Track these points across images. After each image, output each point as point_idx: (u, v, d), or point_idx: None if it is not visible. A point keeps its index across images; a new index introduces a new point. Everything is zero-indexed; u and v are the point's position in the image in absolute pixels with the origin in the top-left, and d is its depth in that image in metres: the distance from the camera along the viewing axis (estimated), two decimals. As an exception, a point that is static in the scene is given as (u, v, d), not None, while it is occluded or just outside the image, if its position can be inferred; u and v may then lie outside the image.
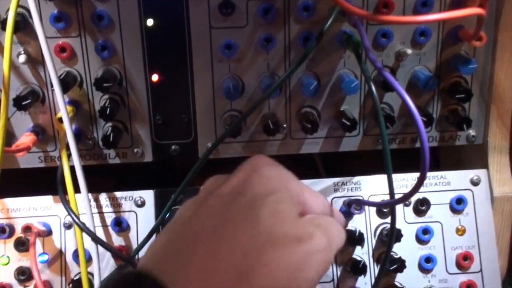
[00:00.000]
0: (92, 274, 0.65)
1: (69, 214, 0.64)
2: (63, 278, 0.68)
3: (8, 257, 0.67)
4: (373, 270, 0.68)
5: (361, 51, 0.60)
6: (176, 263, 0.42)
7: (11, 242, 0.67)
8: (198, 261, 0.42)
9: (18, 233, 0.67)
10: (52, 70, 0.60)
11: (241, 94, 0.67)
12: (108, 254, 0.67)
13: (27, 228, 0.66)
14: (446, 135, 0.70)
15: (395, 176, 0.59)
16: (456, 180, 0.70)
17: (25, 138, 0.65)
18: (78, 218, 0.64)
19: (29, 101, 0.63)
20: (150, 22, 0.64)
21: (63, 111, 0.61)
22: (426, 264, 0.68)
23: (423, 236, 0.68)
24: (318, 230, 0.46)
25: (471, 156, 0.74)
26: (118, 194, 0.69)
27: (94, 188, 0.66)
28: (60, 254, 0.68)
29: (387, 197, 0.68)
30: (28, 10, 0.61)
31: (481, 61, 0.67)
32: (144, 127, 0.68)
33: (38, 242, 0.67)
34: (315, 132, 0.66)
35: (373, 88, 0.57)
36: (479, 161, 0.72)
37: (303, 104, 0.68)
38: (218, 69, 0.66)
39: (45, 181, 0.68)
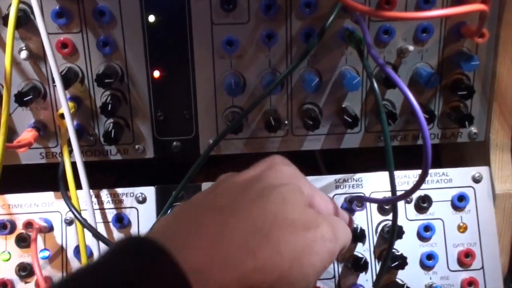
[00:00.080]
0: (93, 270, 0.65)
1: (70, 210, 0.64)
2: (64, 274, 0.68)
3: (9, 253, 0.67)
4: (374, 267, 0.68)
5: (363, 47, 0.60)
6: (183, 232, 0.43)
7: (12, 238, 0.67)
8: (206, 231, 0.43)
9: (19, 229, 0.67)
10: (54, 66, 0.60)
11: (243, 91, 0.67)
12: (109, 250, 0.67)
13: (28, 224, 0.66)
14: (448, 132, 0.70)
15: (396, 173, 0.59)
16: (457, 177, 0.69)
17: (27, 134, 0.65)
18: (80, 214, 0.64)
19: (30, 97, 0.63)
20: (151, 18, 0.64)
21: (65, 107, 0.61)
22: (428, 261, 0.68)
23: (424, 233, 0.68)
24: (324, 221, 0.49)
25: (473, 153, 0.74)
26: (119, 190, 0.69)
27: (96, 184, 0.66)
28: (61, 250, 0.68)
29: (388, 194, 0.68)
30: (30, 6, 0.61)
31: (483, 58, 0.67)
32: (145, 123, 0.68)
33: (39, 238, 0.67)
34: (316, 129, 0.66)
35: (375, 84, 0.56)
36: (481, 158, 0.72)
37: (305, 100, 0.68)
38: (220, 65, 0.66)
39: (47, 177, 0.68)
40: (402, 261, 0.66)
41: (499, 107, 0.68)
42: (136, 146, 0.69)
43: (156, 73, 0.66)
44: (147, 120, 0.68)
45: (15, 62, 0.64)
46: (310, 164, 0.84)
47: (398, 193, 0.57)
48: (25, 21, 0.61)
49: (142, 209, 0.69)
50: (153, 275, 0.38)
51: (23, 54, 0.63)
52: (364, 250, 0.68)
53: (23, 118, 0.67)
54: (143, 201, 0.69)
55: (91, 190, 0.64)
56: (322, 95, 0.68)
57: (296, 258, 0.44)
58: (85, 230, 0.64)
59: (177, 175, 0.65)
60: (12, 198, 0.68)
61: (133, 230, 0.68)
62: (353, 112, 0.67)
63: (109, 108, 0.64)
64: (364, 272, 0.67)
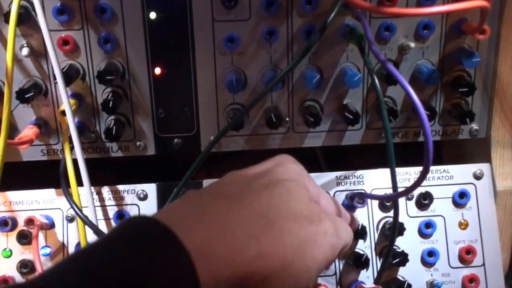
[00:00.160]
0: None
1: (71, 207, 0.64)
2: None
3: (10, 250, 0.67)
4: (375, 263, 0.68)
5: (364, 44, 0.60)
6: (187, 214, 0.43)
7: (13, 235, 0.67)
8: (210, 214, 0.43)
9: (21, 226, 0.67)
10: (55, 63, 0.60)
11: (244, 87, 0.67)
12: (111, 247, 0.67)
13: (29, 221, 0.66)
14: (449, 129, 0.70)
15: (397, 170, 0.59)
16: (459, 174, 0.70)
17: (28, 131, 0.65)
18: (81, 211, 0.64)
19: (31, 94, 0.63)
20: (153, 15, 0.64)
21: (66, 104, 0.61)
22: (429, 258, 0.68)
23: (425, 230, 0.68)
24: (327, 217, 0.49)
25: (474, 150, 0.74)
26: (120, 187, 0.69)
27: (97, 181, 0.66)
28: (63, 247, 0.68)
29: (389, 191, 0.68)
30: (31, 3, 0.61)
31: (485, 55, 0.67)
32: (146, 120, 0.68)
33: (41, 235, 0.67)
34: (317, 126, 0.66)
35: (376, 81, 0.57)
36: (482, 155, 0.71)
37: (306, 97, 0.68)
38: (221, 62, 0.66)
39: (48, 174, 0.68)
40: (403, 258, 0.66)
41: (500, 104, 0.68)
42: (137, 143, 0.69)
43: (157, 70, 0.66)
44: (148, 117, 0.68)
45: (16, 59, 0.64)
46: (311, 161, 0.84)
47: (399, 190, 0.58)
48: (26, 18, 0.61)
49: (143, 206, 0.69)
50: (156, 253, 0.38)
51: (25, 51, 0.63)
52: (365, 247, 0.68)
53: (25, 115, 0.67)
54: (144, 198, 0.69)
55: (92, 187, 0.65)
56: (323, 92, 0.68)
57: (299, 250, 0.45)
58: (86, 227, 0.64)
59: (178, 172, 0.65)
60: (14, 195, 0.68)
61: (134, 227, 0.68)
62: (354, 109, 0.67)
63: (110, 105, 0.64)
64: (365, 269, 0.67)
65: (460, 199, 0.69)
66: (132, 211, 0.69)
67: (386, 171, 0.60)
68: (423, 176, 0.50)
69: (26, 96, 0.62)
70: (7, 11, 0.60)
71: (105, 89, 0.66)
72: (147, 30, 0.64)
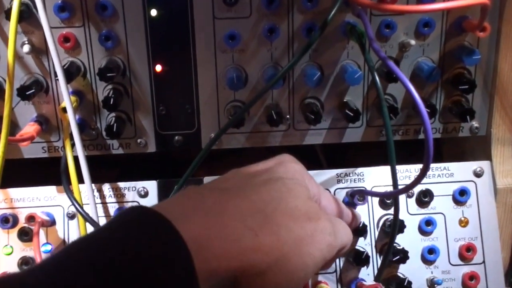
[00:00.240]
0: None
1: (73, 204, 0.64)
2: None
3: (11, 247, 0.67)
4: (376, 261, 0.68)
5: (364, 41, 0.60)
6: (185, 206, 0.44)
7: (14, 232, 0.67)
8: (207, 206, 0.44)
9: (22, 223, 0.67)
10: (56, 60, 0.60)
11: (245, 85, 0.67)
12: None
13: (30, 218, 0.66)
14: (450, 126, 0.70)
15: (398, 168, 0.59)
16: (459, 171, 0.70)
17: (29, 128, 0.65)
18: (82, 208, 0.64)
19: (33, 91, 0.63)
20: (153, 12, 0.64)
21: (67, 101, 0.61)
22: (429, 256, 0.68)
23: (426, 228, 0.68)
24: (325, 216, 0.50)
25: (474, 148, 0.74)
26: (121, 184, 0.69)
27: (98, 178, 0.67)
28: (64, 244, 0.68)
29: (390, 189, 0.68)
30: (32, 0, 0.61)
31: (485, 52, 0.67)
32: (147, 117, 0.68)
33: (42, 232, 0.67)
34: (318, 123, 0.66)
35: (377, 78, 0.57)
36: (482, 152, 0.72)
37: (306, 95, 0.68)
38: (222, 59, 0.66)
39: (49, 171, 0.68)
40: (403, 255, 0.66)
41: (501, 102, 0.68)
42: (138, 140, 0.69)
43: (158, 67, 0.66)
44: (149, 114, 0.68)
45: (17, 56, 0.64)
46: (311, 158, 0.84)
47: (400, 188, 0.58)
48: (27, 15, 0.61)
49: (144, 203, 0.69)
50: (153, 243, 0.38)
51: (26, 48, 0.63)
52: (365, 244, 0.68)
53: (26, 112, 0.67)
54: (145, 195, 0.69)
55: (93, 184, 0.65)
56: (323, 90, 0.68)
57: (295, 245, 0.45)
58: (87, 224, 0.64)
59: (179, 169, 0.65)
60: (15, 192, 0.68)
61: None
62: (354, 106, 0.67)
63: (111, 102, 0.64)
64: (365, 266, 0.67)
65: (460, 196, 0.69)
66: (133, 208, 0.69)
67: (386, 169, 0.60)
68: (423, 173, 0.50)
69: (27, 93, 0.63)
70: (8, 8, 0.60)
71: (106, 86, 0.66)
72: (148, 27, 0.64)
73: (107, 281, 0.35)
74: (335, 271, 0.68)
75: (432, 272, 0.69)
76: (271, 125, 0.67)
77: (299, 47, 0.66)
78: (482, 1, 0.51)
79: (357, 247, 0.68)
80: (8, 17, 0.60)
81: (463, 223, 0.69)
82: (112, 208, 0.69)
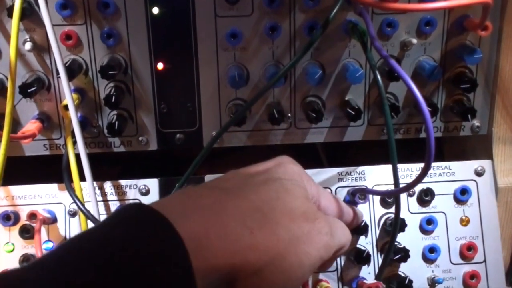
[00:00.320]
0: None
1: (74, 201, 0.64)
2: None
3: (13, 244, 0.67)
4: (377, 259, 0.68)
5: (366, 39, 0.60)
6: (183, 204, 0.44)
7: (16, 229, 0.67)
8: (205, 205, 0.44)
9: (23, 220, 0.67)
10: (58, 57, 0.60)
11: (246, 83, 0.67)
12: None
13: (32, 215, 0.66)
14: (451, 125, 0.70)
15: (399, 166, 0.59)
16: (460, 170, 0.70)
17: (31, 125, 0.65)
18: (83, 206, 0.64)
19: (34, 88, 0.63)
20: (155, 10, 0.64)
21: (69, 99, 0.61)
22: (430, 254, 0.68)
23: (427, 226, 0.68)
24: (323, 217, 0.50)
25: (476, 147, 0.74)
26: (122, 182, 0.69)
27: (99, 176, 0.67)
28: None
29: (391, 187, 0.68)
30: (34, -3, 0.61)
31: (486, 51, 0.67)
32: (149, 115, 0.68)
33: (43, 229, 0.67)
34: (319, 122, 0.66)
35: (379, 76, 0.57)
36: (484, 151, 0.72)
37: (308, 93, 0.68)
38: (223, 57, 0.66)
39: (50, 169, 0.68)
40: (404, 254, 0.66)
41: (502, 101, 0.68)
42: (140, 138, 0.69)
43: (160, 65, 0.66)
44: (150, 112, 0.68)
45: (19, 53, 0.64)
46: (312, 157, 0.84)
47: (401, 186, 0.58)
48: (29, 12, 0.62)
49: (145, 201, 0.69)
50: (150, 240, 0.38)
51: (28, 45, 0.64)
52: (366, 243, 0.68)
53: (27, 110, 0.67)
54: (146, 193, 0.69)
55: (94, 182, 0.65)
56: (325, 88, 0.68)
57: (292, 244, 0.45)
58: (89, 221, 0.65)
59: (180, 167, 0.66)
60: (16, 190, 0.68)
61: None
62: (356, 105, 0.67)
63: (113, 100, 0.64)
64: (366, 265, 0.68)
65: (461, 195, 0.69)
66: (134, 206, 0.69)
67: (388, 168, 0.60)
68: (425, 172, 0.50)
69: (29, 90, 0.63)
70: (10, 6, 0.60)
71: (108, 84, 0.66)
72: (149, 25, 0.65)
73: (107, 277, 0.36)
74: (336, 269, 0.68)
75: (433, 271, 0.69)
76: (272, 123, 0.67)
77: (301, 45, 0.66)
78: (484, 0, 0.51)
79: (358, 246, 0.68)
80: (10, 15, 0.60)
81: (464, 222, 0.69)
82: (114, 206, 0.69)
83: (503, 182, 0.70)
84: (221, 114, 0.68)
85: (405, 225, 0.66)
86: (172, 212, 0.41)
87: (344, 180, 0.69)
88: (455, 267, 0.69)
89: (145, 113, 0.68)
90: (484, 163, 0.70)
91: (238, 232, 0.43)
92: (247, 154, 0.79)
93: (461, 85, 0.66)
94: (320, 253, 0.48)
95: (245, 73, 0.66)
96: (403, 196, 0.69)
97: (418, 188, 0.68)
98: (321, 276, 0.68)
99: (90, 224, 0.64)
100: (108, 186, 0.69)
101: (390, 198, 0.68)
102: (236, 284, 0.43)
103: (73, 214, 0.68)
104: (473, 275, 0.68)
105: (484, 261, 0.69)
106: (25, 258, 0.67)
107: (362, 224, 0.66)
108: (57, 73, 0.63)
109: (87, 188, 0.64)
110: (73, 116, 0.62)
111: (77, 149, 0.64)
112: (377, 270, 0.67)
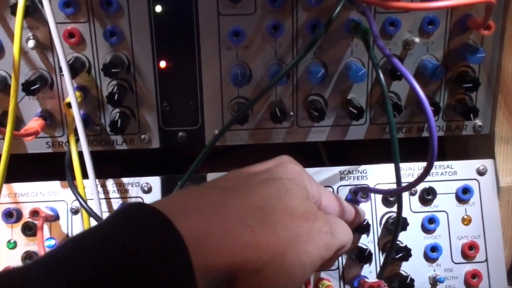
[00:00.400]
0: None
1: (77, 199, 0.65)
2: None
3: (15, 241, 0.68)
4: (378, 258, 0.68)
5: (369, 38, 0.60)
6: (183, 203, 0.44)
7: (18, 226, 0.67)
8: (206, 204, 0.44)
9: (26, 217, 0.67)
10: (61, 55, 0.60)
11: (249, 81, 0.67)
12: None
13: (34, 213, 0.66)
14: (453, 124, 0.70)
15: (401, 165, 0.59)
16: (462, 169, 0.70)
17: (34, 123, 0.65)
18: (86, 204, 0.64)
19: (37, 86, 0.63)
20: (158, 8, 0.64)
21: (72, 97, 0.61)
22: (432, 253, 0.68)
23: (428, 225, 0.68)
24: (323, 216, 0.50)
25: (478, 146, 0.74)
26: (125, 180, 0.69)
27: (101, 174, 0.67)
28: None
29: (393, 186, 0.68)
30: (38, -5, 0.61)
31: (489, 51, 0.67)
32: (151, 113, 0.68)
33: (45, 227, 0.67)
34: (322, 120, 0.66)
35: (381, 75, 0.57)
36: (486, 151, 0.72)
37: (310, 92, 0.68)
38: (226, 56, 0.66)
39: (53, 167, 0.68)
40: (406, 253, 0.66)
41: (504, 100, 0.68)
42: (142, 136, 0.69)
43: (163, 63, 0.66)
44: (153, 110, 0.68)
45: (22, 51, 0.64)
46: (314, 155, 0.84)
47: (403, 185, 0.58)
48: (32, 10, 0.62)
49: (147, 199, 0.69)
50: (150, 239, 0.39)
51: (31, 43, 0.64)
52: (368, 242, 0.68)
53: (30, 107, 0.67)
54: (148, 191, 0.69)
55: (97, 180, 0.65)
56: (327, 87, 0.68)
57: (292, 243, 0.45)
58: (91, 219, 0.65)
59: (182, 165, 0.66)
60: (19, 187, 0.68)
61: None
62: (358, 103, 0.67)
63: (116, 98, 0.64)
64: (368, 264, 0.68)
65: (463, 194, 0.69)
66: (136, 204, 0.69)
67: (390, 166, 0.60)
68: (427, 171, 0.50)
69: (32, 88, 0.63)
70: (14, 3, 0.61)
71: (110, 82, 0.67)
72: (152, 24, 0.65)
73: (108, 276, 0.36)
74: (338, 268, 0.68)
75: (434, 270, 0.69)
76: (274, 122, 0.67)
77: (303, 44, 0.66)
78: (487, -1, 0.51)
79: (359, 245, 0.68)
80: (13, 12, 0.60)
81: (466, 221, 0.69)
82: (116, 204, 0.69)
83: (505, 182, 0.70)
84: (223, 112, 0.69)
85: (407, 224, 0.67)
86: (172, 212, 0.41)
87: (346, 179, 0.70)
88: (456, 266, 0.69)
89: (148, 111, 0.68)
90: (486, 163, 0.70)
91: (238, 231, 0.43)
92: (249, 153, 0.79)
93: (464, 84, 0.66)
94: (321, 252, 0.48)
95: (247, 72, 0.66)
96: (405, 195, 0.69)
97: (420, 187, 0.68)
98: (323, 274, 0.68)
99: (93, 222, 0.65)
100: (110, 184, 0.69)
101: (392, 197, 0.68)
102: (236, 283, 0.43)
103: (75, 212, 0.68)
104: (475, 274, 0.68)
105: (486, 260, 0.69)
106: (28, 255, 0.67)
107: (364, 223, 0.66)
108: (60, 71, 0.63)
109: (89, 186, 0.64)
110: (76, 114, 0.62)
111: (79, 147, 0.64)
112: (378, 269, 0.68)
